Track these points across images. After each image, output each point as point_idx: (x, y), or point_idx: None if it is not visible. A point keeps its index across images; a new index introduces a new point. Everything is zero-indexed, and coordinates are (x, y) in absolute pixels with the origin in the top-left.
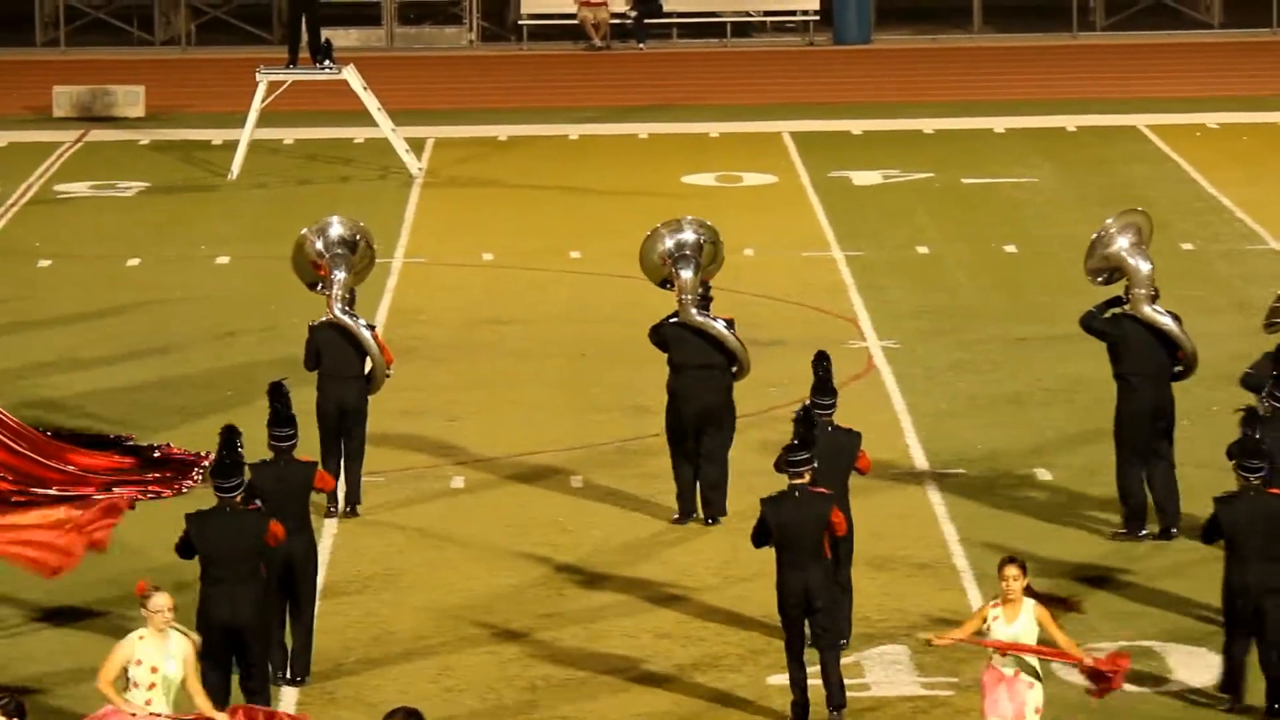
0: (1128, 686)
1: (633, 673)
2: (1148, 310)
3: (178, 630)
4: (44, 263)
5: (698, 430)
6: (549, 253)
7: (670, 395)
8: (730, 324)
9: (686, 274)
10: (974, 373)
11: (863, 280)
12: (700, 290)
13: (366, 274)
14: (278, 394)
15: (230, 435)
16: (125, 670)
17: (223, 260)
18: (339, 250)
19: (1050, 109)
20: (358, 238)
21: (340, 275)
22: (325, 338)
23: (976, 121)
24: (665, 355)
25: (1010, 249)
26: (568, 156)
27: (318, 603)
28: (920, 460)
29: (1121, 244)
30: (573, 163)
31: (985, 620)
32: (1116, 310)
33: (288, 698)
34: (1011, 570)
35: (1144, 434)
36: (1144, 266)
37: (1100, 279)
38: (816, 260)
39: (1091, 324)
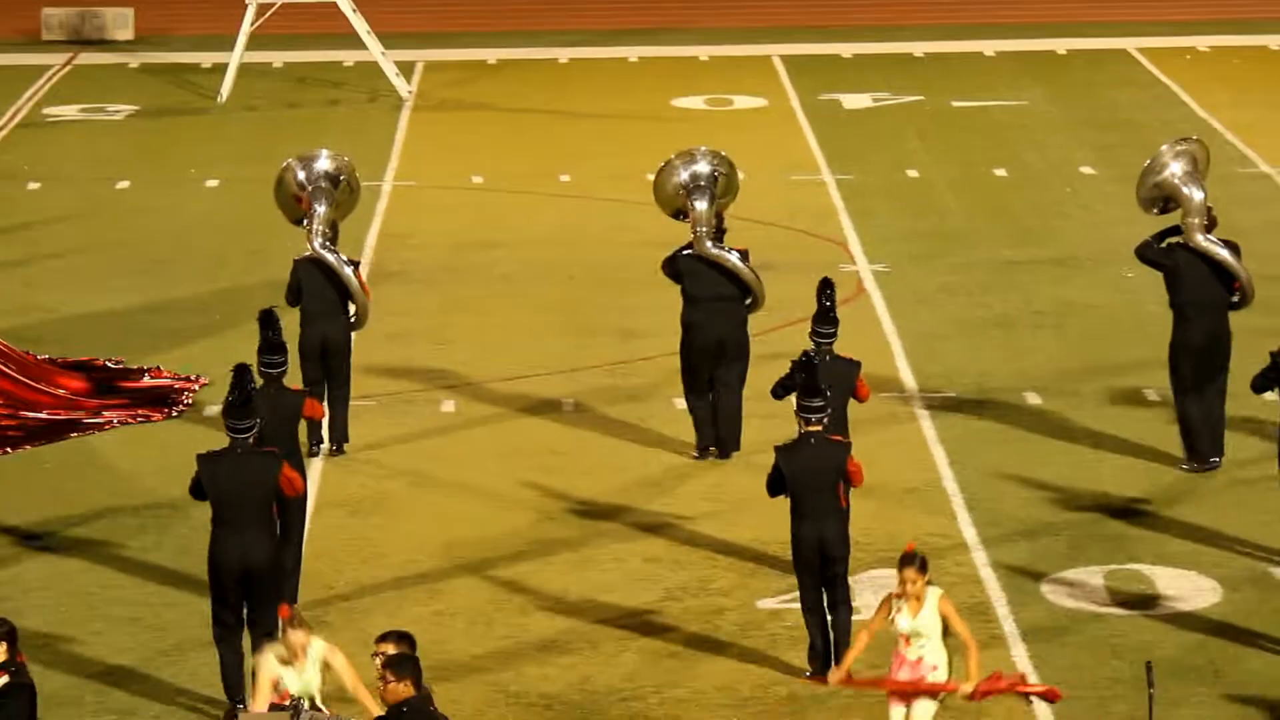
0: (1116, 609)
1: (622, 597)
2: (1200, 239)
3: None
4: (33, 186)
5: (713, 362)
6: (538, 176)
7: (684, 328)
8: (745, 255)
9: (701, 205)
10: (963, 296)
11: (852, 204)
12: (714, 222)
13: (349, 210)
14: (268, 321)
15: (241, 374)
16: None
17: (212, 183)
18: (322, 184)
19: (1040, 32)
20: (341, 174)
21: (321, 209)
22: (306, 273)
23: (967, 45)
24: (679, 286)
25: (1000, 172)
26: (557, 80)
27: (307, 525)
28: (910, 384)
29: (1174, 170)
30: (562, 86)
31: (889, 613)
32: (1173, 240)
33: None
34: (910, 573)
35: (1198, 365)
36: (1196, 195)
37: (1155, 209)
38: (806, 184)
39: (1146, 253)
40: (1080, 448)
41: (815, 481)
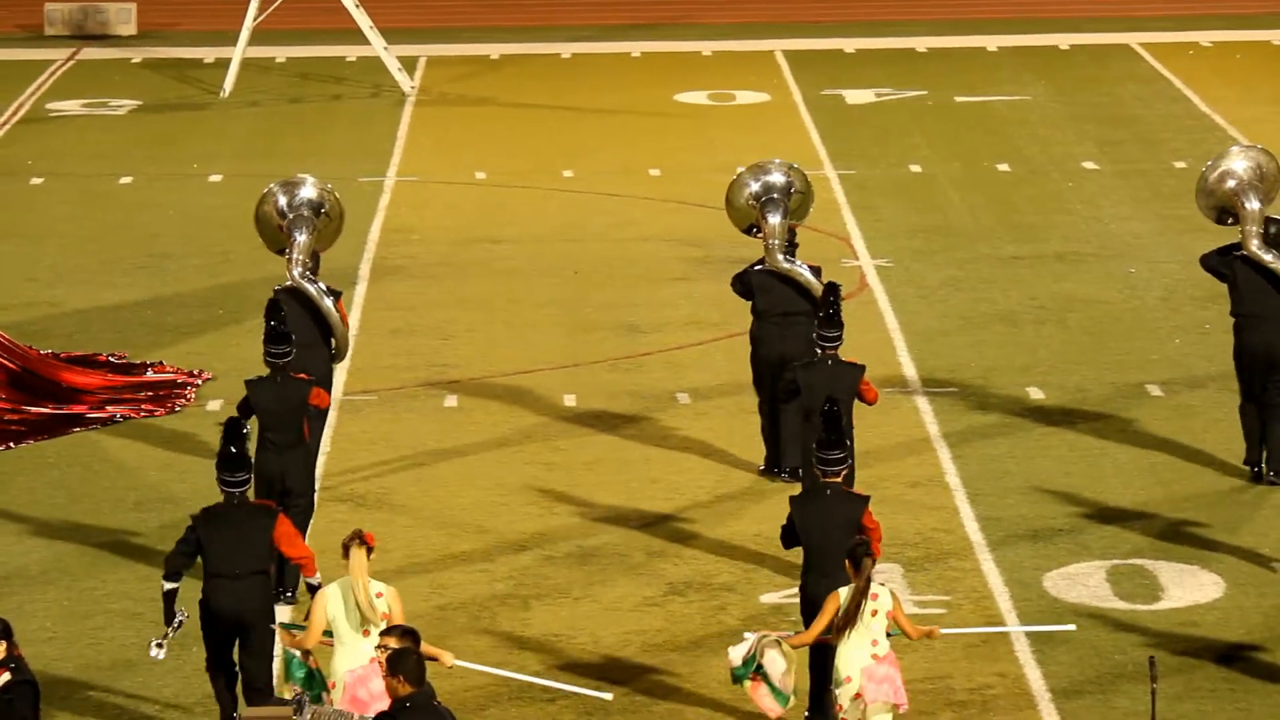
0: (1119, 603)
1: (625, 591)
2: (1255, 249)
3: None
4: (36, 181)
5: (773, 377)
6: (541, 171)
7: (753, 343)
8: (817, 271)
9: (774, 219)
10: (966, 291)
11: (855, 199)
12: (787, 235)
13: (332, 241)
14: (275, 311)
15: (234, 427)
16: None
17: (215, 178)
18: (304, 212)
19: (1043, 27)
20: (324, 202)
21: (301, 239)
22: (286, 305)
23: (969, 40)
24: (750, 302)
25: (1003, 167)
26: (560, 75)
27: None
28: (913, 378)
29: (1230, 184)
30: (565, 81)
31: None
32: (1237, 252)
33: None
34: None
35: (1256, 374)
36: (1251, 205)
37: (1222, 219)
38: (809, 179)
39: (1208, 262)
40: (1083, 442)
41: (830, 536)
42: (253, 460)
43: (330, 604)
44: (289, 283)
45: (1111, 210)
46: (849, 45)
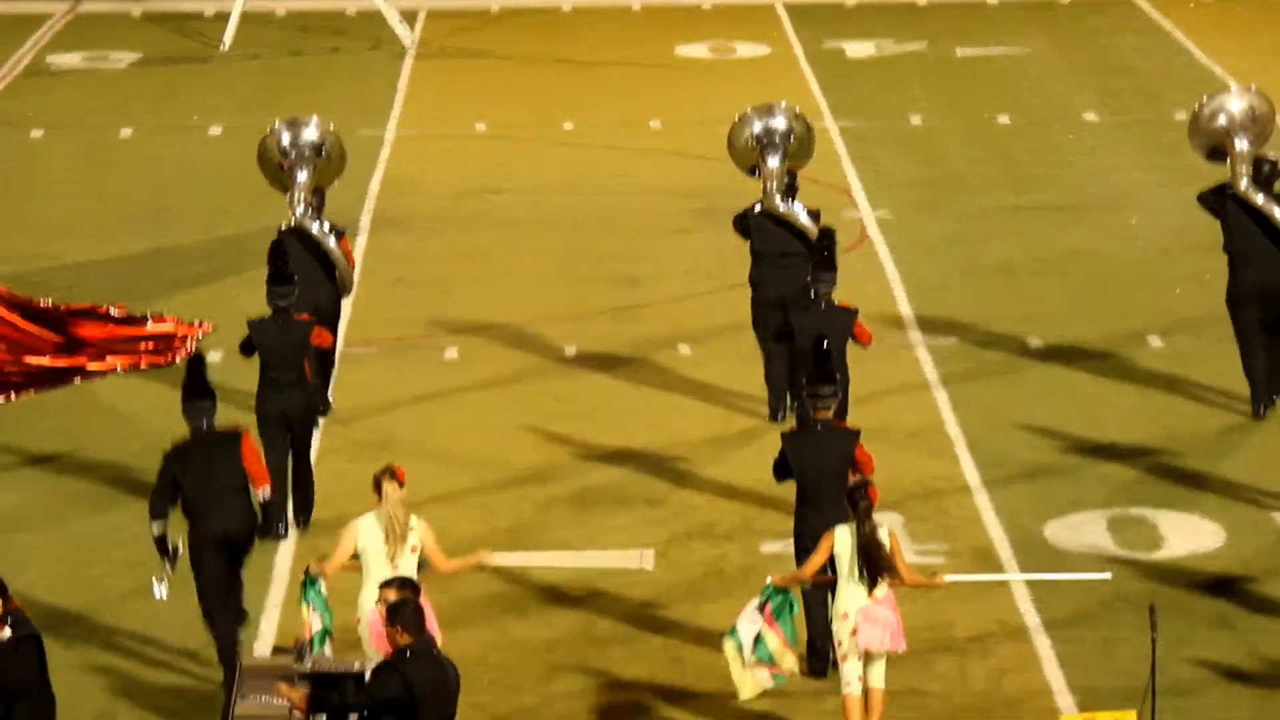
0: (1119, 551)
1: (625, 541)
2: (1244, 188)
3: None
4: (36, 133)
5: (781, 319)
6: (541, 124)
7: (752, 285)
8: (816, 214)
9: (773, 162)
10: (966, 243)
11: (856, 151)
12: (786, 179)
13: (334, 179)
14: (278, 252)
15: (195, 362)
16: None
17: (215, 131)
18: (305, 152)
19: None
20: (325, 142)
21: (302, 177)
22: (290, 244)
23: None
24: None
25: (1003, 120)
26: (560, 28)
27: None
28: (913, 329)
29: (1221, 122)
30: (565, 34)
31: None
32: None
33: (282, 552)
34: None
35: (1249, 312)
36: (1241, 145)
37: (1214, 157)
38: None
39: (1203, 199)
40: (1083, 393)
41: (823, 470)
42: (257, 396)
43: (361, 535)
44: (292, 222)
45: (1112, 162)
46: None
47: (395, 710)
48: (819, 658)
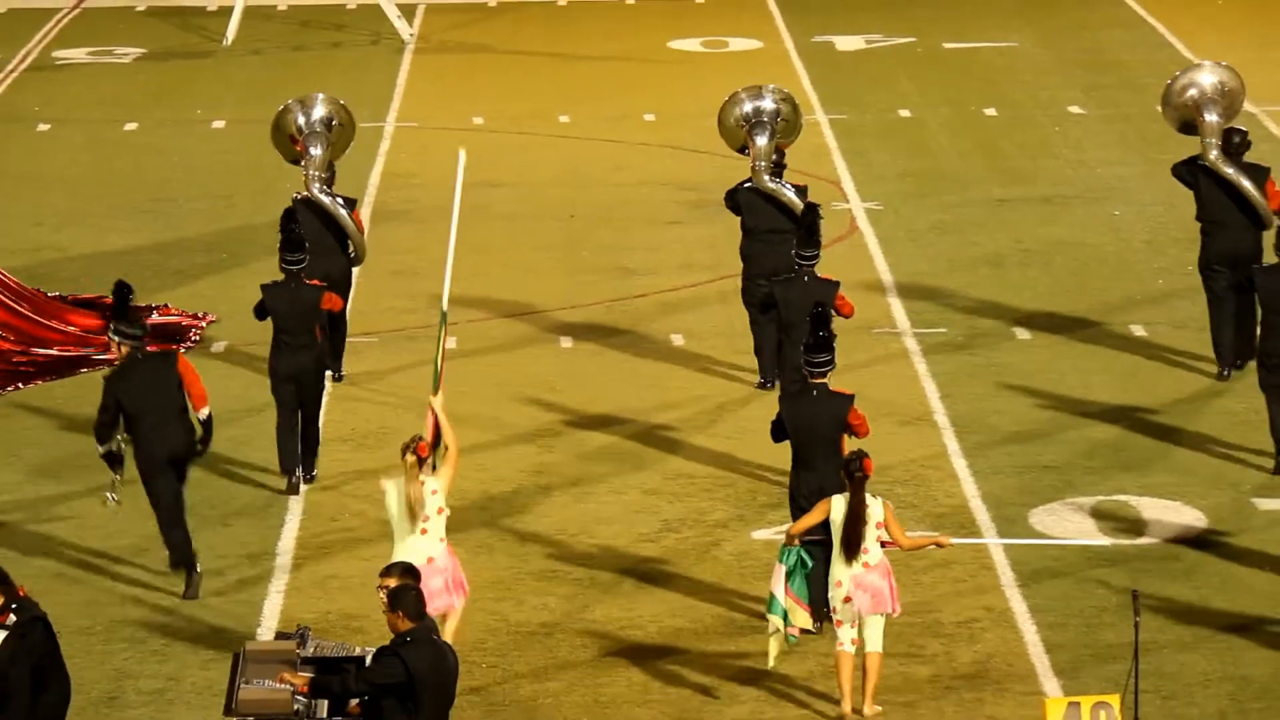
0: (1103, 538)
1: (620, 529)
2: (1214, 159)
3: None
4: (43, 127)
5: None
6: (537, 117)
7: (743, 259)
8: (803, 190)
9: (761, 141)
10: (954, 234)
11: (846, 144)
12: (774, 157)
13: (345, 147)
14: (290, 219)
15: (121, 289)
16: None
17: (218, 124)
18: (317, 128)
19: None
20: (334, 116)
21: (316, 153)
22: (303, 215)
23: None
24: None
25: (990, 112)
26: (556, 22)
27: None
28: (901, 319)
29: (1191, 95)
30: (561, 28)
31: (828, 511)
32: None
33: (285, 538)
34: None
35: (1222, 278)
36: (1210, 118)
37: (1185, 129)
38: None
39: (1176, 171)
40: (1068, 382)
41: (817, 432)
42: (270, 357)
43: (388, 499)
44: (305, 193)
45: (1097, 154)
46: None
47: (395, 694)
48: (816, 610)
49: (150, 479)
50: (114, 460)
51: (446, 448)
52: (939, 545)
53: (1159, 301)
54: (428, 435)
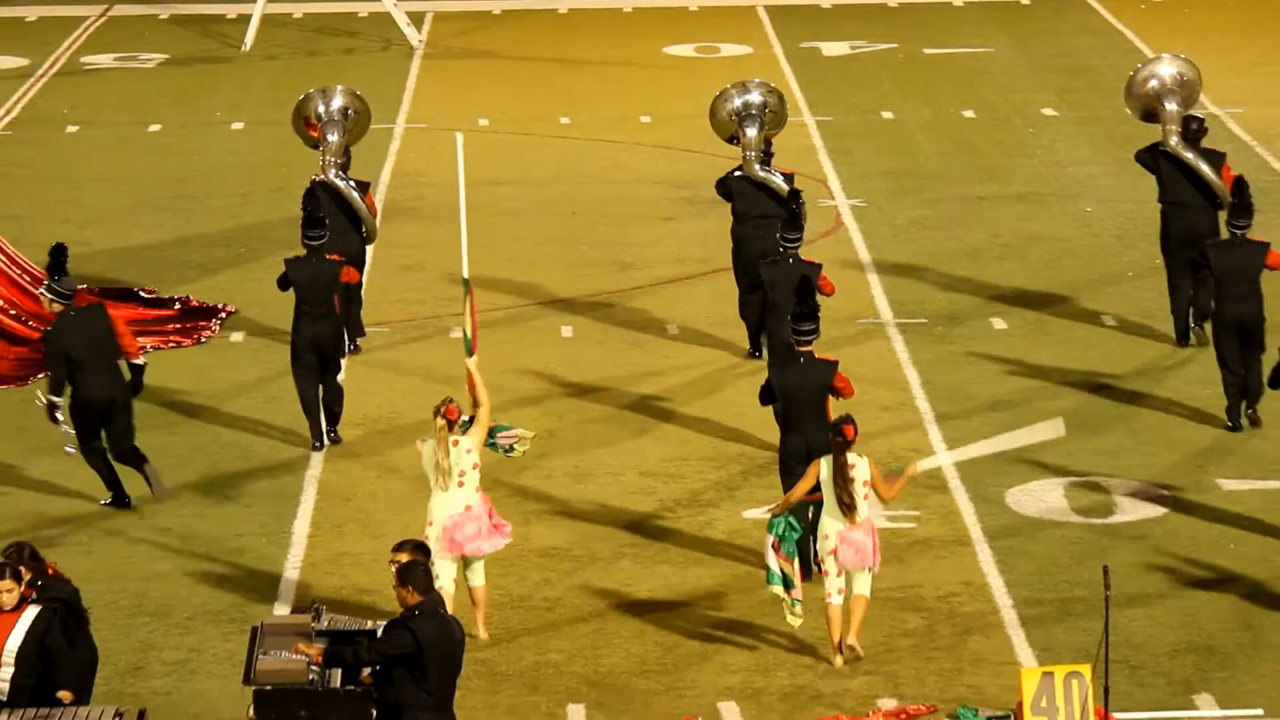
0: (1075, 517)
1: (619, 509)
2: (1174, 144)
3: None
4: (72, 129)
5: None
6: (540, 119)
7: (734, 242)
8: (790, 178)
9: (751, 131)
10: (935, 228)
11: (831, 144)
12: (763, 147)
13: (361, 134)
14: (310, 199)
15: (57, 250)
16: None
17: (237, 126)
18: (335, 116)
19: None
20: (350, 106)
21: (333, 139)
22: (320, 196)
23: None
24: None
25: (969, 114)
26: (557, 29)
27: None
28: (884, 310)
29: (1152, 85)
30: (562, 34)
31: (818, 474)
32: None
33: (300, 519)
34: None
35: (1181, 255)
36: (1170, 106)
37: (1147, 118)
38: (789, 125)
39: (1139, 157)
40: (1043, 369)
41: (804, 396)
42: (292, 327)
43: (424, 457)
44: (322, 177)
45: (1069, 154)
46: (825, 0)
47: (405, 664)
48: (806, 567)
49: (79, 416)
50: (53, 414)
51: (477, 405)
52: (912, 478)
53: (1128, 292)
54: (470, 394)
